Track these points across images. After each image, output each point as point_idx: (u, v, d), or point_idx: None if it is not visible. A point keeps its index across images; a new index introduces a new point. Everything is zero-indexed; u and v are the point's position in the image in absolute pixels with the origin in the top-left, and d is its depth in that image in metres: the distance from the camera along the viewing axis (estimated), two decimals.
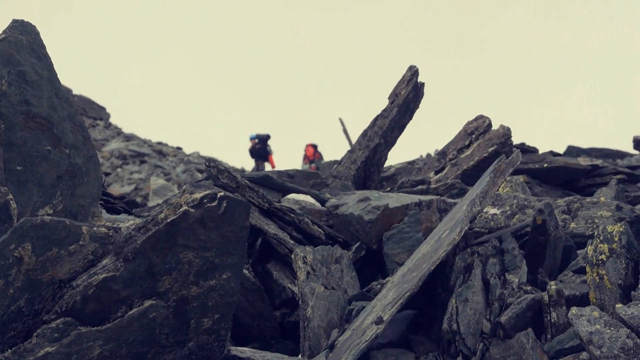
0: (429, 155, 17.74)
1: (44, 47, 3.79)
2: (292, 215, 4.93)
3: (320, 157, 20.48)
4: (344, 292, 4.12)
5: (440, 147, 9.78)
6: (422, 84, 8.21)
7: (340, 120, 21.73)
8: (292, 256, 4.00)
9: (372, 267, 4.99)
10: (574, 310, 2.98)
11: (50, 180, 3.65)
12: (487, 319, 3.62)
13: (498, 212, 5.53)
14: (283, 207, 4.96)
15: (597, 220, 5.14)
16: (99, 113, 28.83)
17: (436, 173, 7.97)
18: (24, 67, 3.58)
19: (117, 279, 2.94)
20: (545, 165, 8.01)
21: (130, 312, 2.98)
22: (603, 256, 3.44)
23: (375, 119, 8.11)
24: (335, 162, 15.23)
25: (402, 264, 4.56)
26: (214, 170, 5.02)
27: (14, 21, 3.71)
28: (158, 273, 3.02)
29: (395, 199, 5.19)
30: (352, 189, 7.07)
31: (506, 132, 7.56)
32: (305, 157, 20.38)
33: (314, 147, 20.64)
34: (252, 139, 21.47)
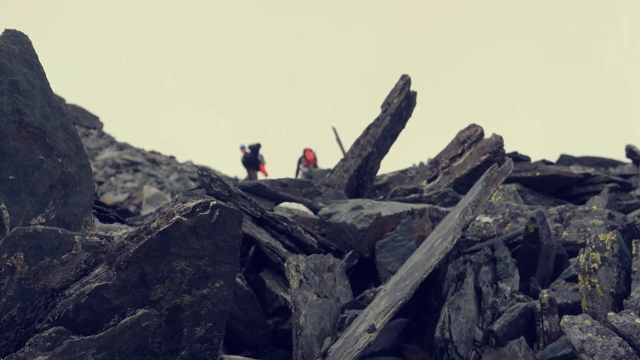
0: (421, 163, 17.76)
1: (36, 56, 3.79)
2: (285, 223, 4.93)
3: (316, 165, 20.50)
4: (337, 300, 4.12)
5: (432, 155, 9.81)
6: (415, 93, 8.24)
7: (334, 129, 21.78)
8: (285, 264, 4.00)
9: (365, 276, 4.99)
10: (566, 318, 2.99)
11: (42, 190, 3.64)
12: (479, 327, 3.63)
13: (490, 220, 5.54)
14: (276, 216, 4.96)
15: (589, 229, 5.17)
16: (92, 122, 28.79)
17: (429, 182, 7.99)
18: (16, 77, 3.58)
19: (109, 287, 2.93)
20: (537, 173, 8.04)
21: (123, 321, 2.97)
22: (595, 264, 3.46)
23: (368, 128, 8.14)
24: (328, 170, 15.22)
25: (394, 272, 4.56)
26: (206, 179, 5.02)
27: (7, 31, 3.70)
28: (151, 282, 3.02)
29: (387, 208, 5.20)
30: (345, 197, 7.07)
31: (498, 141, 7.59)
32: (305, 160, 20.29)
33: (314, 153, 20.63)
34: (242, 148, 21.56)
